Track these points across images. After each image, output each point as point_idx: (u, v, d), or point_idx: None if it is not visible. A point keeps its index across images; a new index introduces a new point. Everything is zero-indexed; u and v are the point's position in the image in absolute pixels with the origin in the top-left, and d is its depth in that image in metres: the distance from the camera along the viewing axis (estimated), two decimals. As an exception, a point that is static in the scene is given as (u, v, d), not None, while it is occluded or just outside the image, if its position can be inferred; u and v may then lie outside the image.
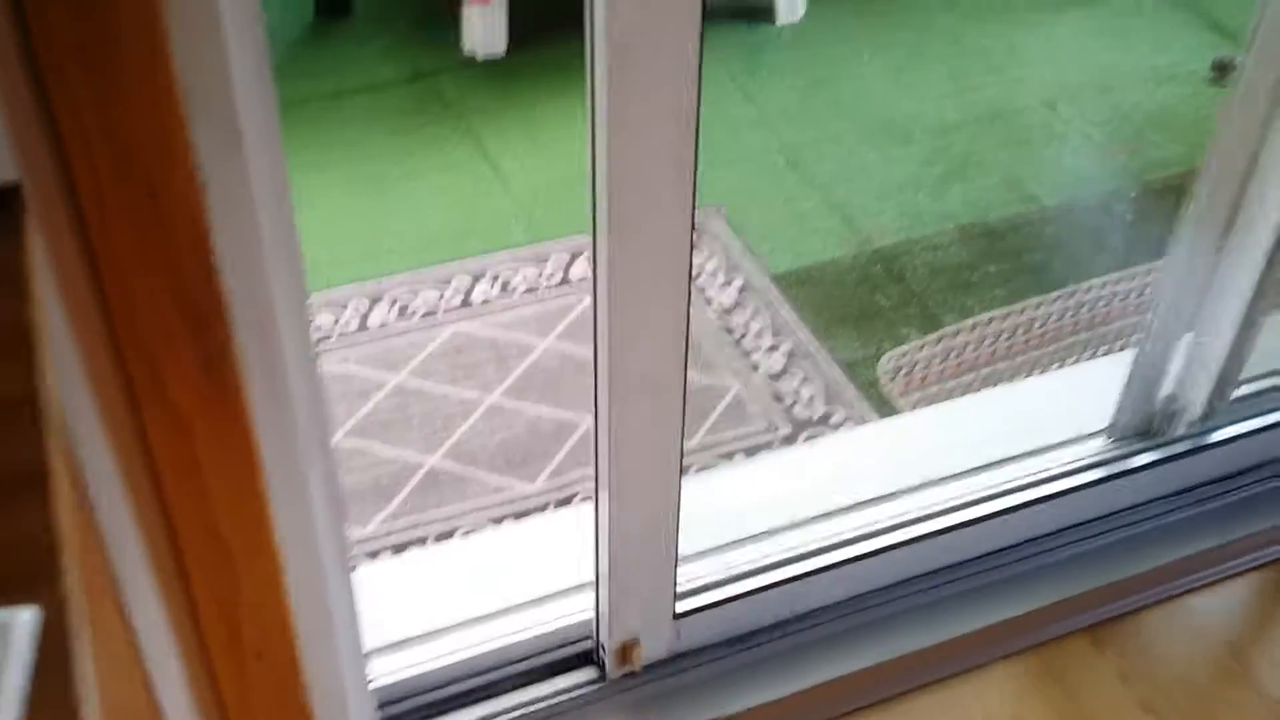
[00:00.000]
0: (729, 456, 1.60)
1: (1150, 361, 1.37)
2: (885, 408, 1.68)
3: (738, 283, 1.87)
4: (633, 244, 0.97)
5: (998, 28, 2.43)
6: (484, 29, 2.33)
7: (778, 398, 1.69)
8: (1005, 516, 1.36)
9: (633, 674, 1.24)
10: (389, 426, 1.60)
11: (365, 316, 1.77)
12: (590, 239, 0.99)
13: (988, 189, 2.04)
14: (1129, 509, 1.41)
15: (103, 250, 0.68)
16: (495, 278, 1.86)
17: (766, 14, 2.47)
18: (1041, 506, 1.38)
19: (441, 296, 1.82)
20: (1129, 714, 1.26)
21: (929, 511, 1.34)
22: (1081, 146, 2.13)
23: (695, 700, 1.25)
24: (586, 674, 1.24)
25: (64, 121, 0.63)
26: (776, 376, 1.72)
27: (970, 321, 1.80)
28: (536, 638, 1.23)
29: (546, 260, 1.90)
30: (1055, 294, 1.83)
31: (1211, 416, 1.39)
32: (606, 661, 1.23)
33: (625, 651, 1.23)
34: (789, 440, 1.63)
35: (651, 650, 1.25)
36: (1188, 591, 1.37)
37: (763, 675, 1.27)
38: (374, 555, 1.43)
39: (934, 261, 1.91)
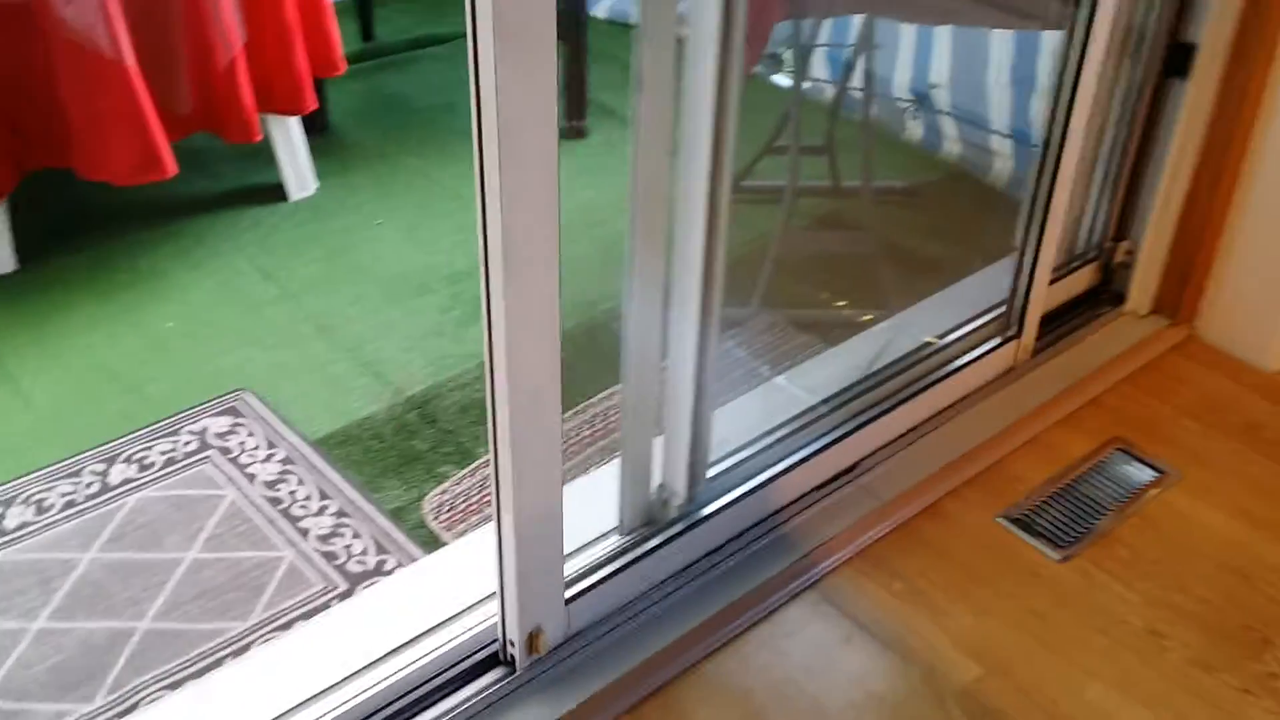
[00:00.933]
0: (288, 626, 1.66)
1: (635, 461, 1.57)
2: (434, 544, 1.80)
3: (280, 455, 1.94)
4: (519, 270, 1.19)
5: (492, 177, 2.67)
6: (-14, 247, 2.30)
7: (330, 557, 1.77)
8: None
9: (540, 660, 1.47)
10: (-77, 679, 1.54)
11: (-116, 570, 1.70)
12: (483, 278, 1.22)
13: (502, 325, 2.23)
14: (648, 593, 1.59)
15: None
16: (28, 500, 1.84)
17: (278, 193, 2.58)
18: (572, 607, 1.53)
19: (-30, 531, 1.77)
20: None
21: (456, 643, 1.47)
22: (579, 274, 2.38)
23: (595, 670, 1.50)
24: (498, 673, 1.46)
25: None
26: (327, 538, 1.80)
27: (501, 450, 1.97)
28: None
29: (80, 473, 1.89)
30: (570, 411, 2.04)
31: (694, 499, 1.61)
32: (516, 655, 1.45)
33: (533, 640, 1.46)
34: (346, 595, 1.71)
35: (551, 637, 1.48)
36: (705, 657, 1.57)
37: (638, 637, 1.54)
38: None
39: (462, 400, 2.07)
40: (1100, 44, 1.72)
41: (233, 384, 2.08)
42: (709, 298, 1.48)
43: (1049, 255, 1.91)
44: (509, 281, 1.19)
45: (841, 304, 2.23)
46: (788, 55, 2.36)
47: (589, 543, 1.59)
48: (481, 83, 1.10)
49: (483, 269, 1.21)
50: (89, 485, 1.87)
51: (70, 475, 1.89)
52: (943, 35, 2.55)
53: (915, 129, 2.69)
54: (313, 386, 2.09)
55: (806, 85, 2.44)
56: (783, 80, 2.43)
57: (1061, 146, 1.78)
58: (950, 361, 1.92)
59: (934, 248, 2.41)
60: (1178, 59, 1.86)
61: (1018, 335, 1.96)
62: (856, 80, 2.34)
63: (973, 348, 1.94)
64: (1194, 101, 1.88)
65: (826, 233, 2.43)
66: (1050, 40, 2.31)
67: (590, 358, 2.16)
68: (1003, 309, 1.98)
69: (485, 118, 1.12)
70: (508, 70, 1.08)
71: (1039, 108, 2.41)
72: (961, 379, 1.91)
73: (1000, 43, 2.48)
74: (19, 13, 2.11)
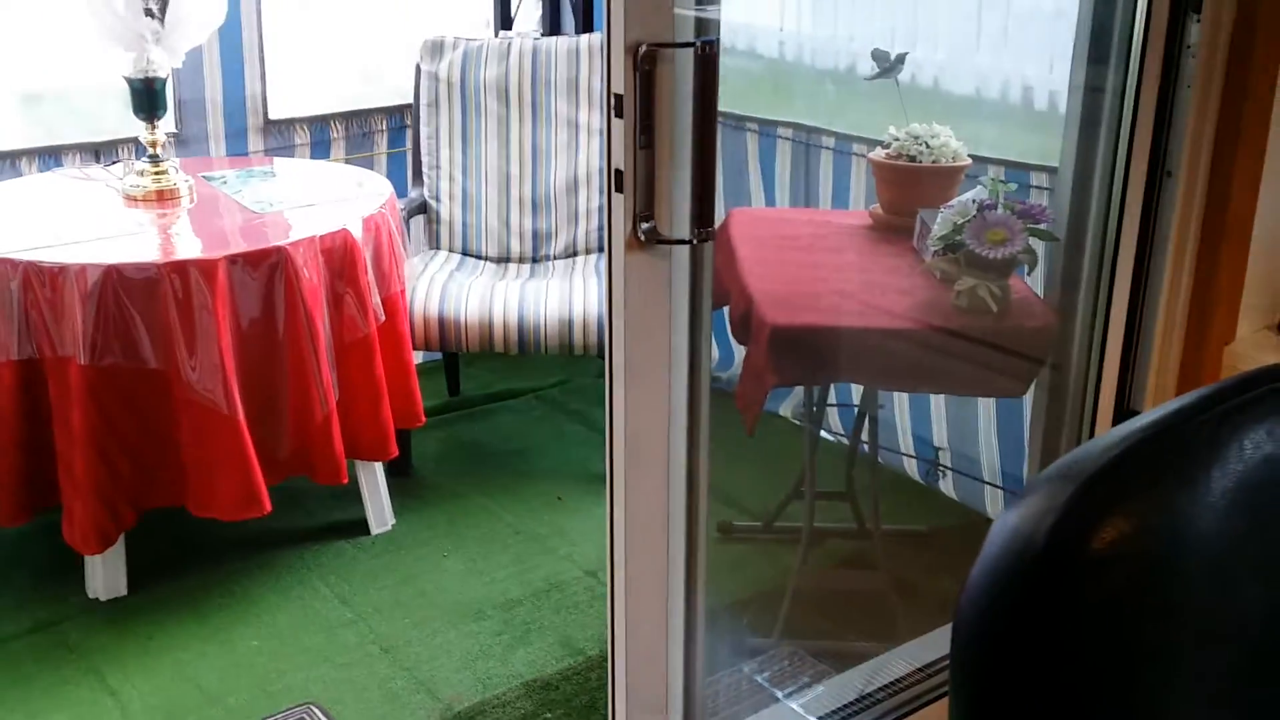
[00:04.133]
0: None
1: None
2: None
3: (336, 764, 2.17)
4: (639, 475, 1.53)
5: (549, 516, 2.99)
6: (105, 573, 2.64)
7: None
8: None
9: None
10: None
11: None
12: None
13: (545, 650, 2.48)
14: None
15: None
16: (114, 797, 2.08)
17: (361, 527, 2.92)
18: None
19: (61, 823, 2.01)
20: None
21: None
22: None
23: None
24: None
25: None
26: (369, 841, 2.00)
27: (533, 764, 2.17)
28: None
29: (162, 773, 2.14)
30: (597, 730, 2.25)
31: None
32: None
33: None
34: None
35: None
36: None
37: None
38: None
39: (502, 717, 2.29)
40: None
41: (303, 698, 2.34)
42: (692, 637, 1.72)
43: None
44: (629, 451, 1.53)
45: (855, 636, 2.44)
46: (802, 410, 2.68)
47: None
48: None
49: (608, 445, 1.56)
50: (167, 786, 2.11)
51: (153, 776, 2.14)
52: (940, 397, 2.87)
53: (930, 478, 2.97)
54: (373, 701, 2.34)
55: (825, 436, 2.74)
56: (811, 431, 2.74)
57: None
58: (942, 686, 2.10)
59: (944, 585, 2.62)
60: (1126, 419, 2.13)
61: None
62: (868, 434, 2.64)
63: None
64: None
65: (844, 571, 2.66)
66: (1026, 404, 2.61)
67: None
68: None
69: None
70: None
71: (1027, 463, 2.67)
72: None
73: (986, 404, 2.78)
74: (154, 377, 2.54)
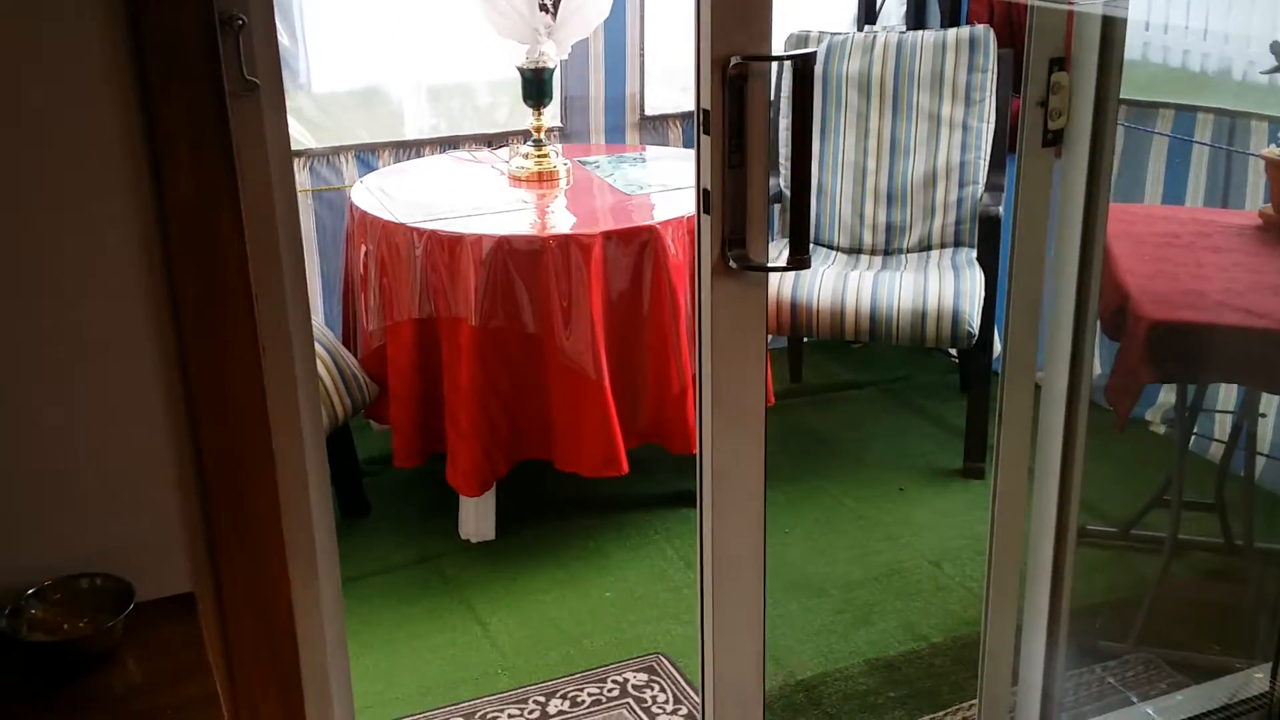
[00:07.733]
0: None
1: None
2: (807, 810, 2.04)
3: (684, 711, 2.28)
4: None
5: (892, 505, 3.00)
6: (477, 518, 2.87)
7: (717, 804, 2.05)
8: None
9: None
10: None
11: (378, 750, 2.16)
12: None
13: (887, 631, 2.51)
14: None
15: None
16: (484, 718, 2.27)
17: (706, 499, 3.03)
18: None
19: (440, 733, 2.21)
20: None
21: None
22: (963, 597, 2.62)
23: None
24: None
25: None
26: (716, 787, 2.09)
27: (874, 737, 2.21)
28: None
29: (526, 702, 2.31)
30: (943, 712, 2.25)
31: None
32: None
33: None
34: (726, 838, 1.97)
35: None
36: None
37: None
38: None
39: (845, 689, 2.33)
40: None
41: (652, 647, 2.46)
42: (1055, 630, 1.70)
43: None
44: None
45: (1218, 650, 2.32)
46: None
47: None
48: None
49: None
50: (531, 713, 2.28)
51: (518, 702, 2.31)
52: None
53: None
54: (717, 661, 2.43)
55: (1194, 443, 2.62)
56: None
57: None
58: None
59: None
60: None
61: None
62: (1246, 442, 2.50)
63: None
64: None
65: (1209, 584, 2.54)
66: None
67: (962, 670, 2.37)
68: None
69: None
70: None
71: None
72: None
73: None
74: (531, 341, 2.74)
